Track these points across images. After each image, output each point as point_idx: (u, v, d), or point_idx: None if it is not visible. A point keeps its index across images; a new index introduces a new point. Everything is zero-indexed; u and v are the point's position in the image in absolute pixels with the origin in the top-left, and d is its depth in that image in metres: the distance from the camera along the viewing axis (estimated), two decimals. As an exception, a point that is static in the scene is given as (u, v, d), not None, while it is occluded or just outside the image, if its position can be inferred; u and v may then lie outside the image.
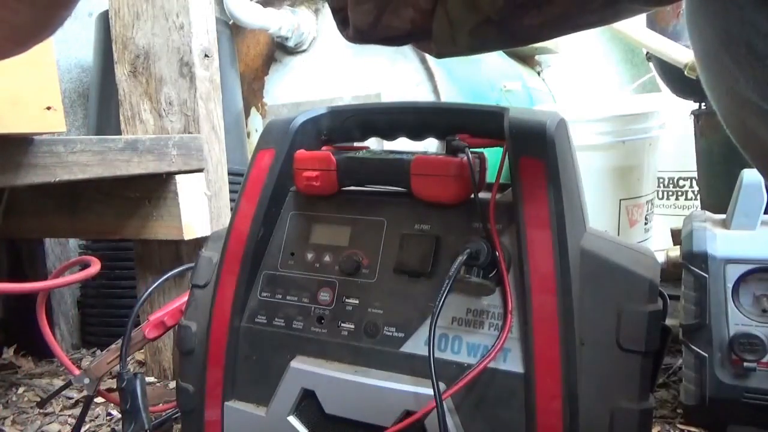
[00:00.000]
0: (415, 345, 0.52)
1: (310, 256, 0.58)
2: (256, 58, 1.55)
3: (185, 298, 0.66)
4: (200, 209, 0.92)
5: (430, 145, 1.21)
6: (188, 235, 0.89)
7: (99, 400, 0.85)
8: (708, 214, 0.82)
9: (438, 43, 0.38)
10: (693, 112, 1.16)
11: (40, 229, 1.01)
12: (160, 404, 0.80)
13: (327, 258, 0.58)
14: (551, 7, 0.33)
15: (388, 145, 1.03)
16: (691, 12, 0.38)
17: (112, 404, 0.89)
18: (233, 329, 0.58)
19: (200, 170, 0.93)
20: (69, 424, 0.86)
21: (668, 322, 0.51)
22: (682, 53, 1.07)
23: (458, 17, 0.36)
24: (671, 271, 0.85)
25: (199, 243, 0.93)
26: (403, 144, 0.64)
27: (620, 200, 1.25)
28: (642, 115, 1.25)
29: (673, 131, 1.41)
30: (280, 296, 0.58)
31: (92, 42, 1.29)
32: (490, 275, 0.51)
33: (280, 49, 1.51)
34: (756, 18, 0.32)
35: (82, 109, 1.41)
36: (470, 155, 0.53)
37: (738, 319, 0.71)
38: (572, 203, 0.51)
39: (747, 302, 0.72)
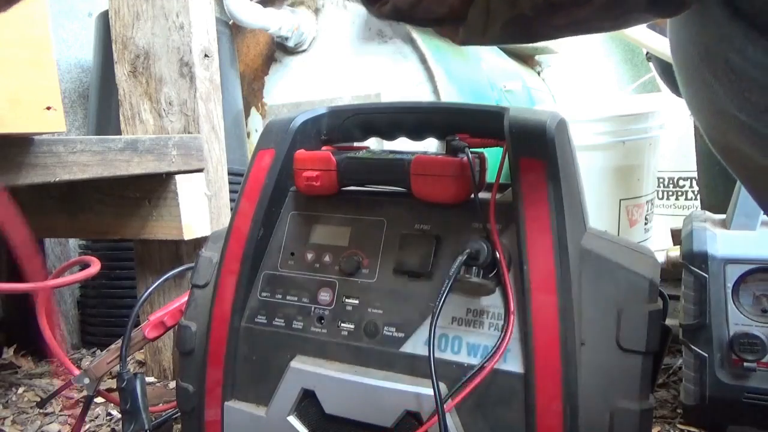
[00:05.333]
0: (415, 345, 0.52)
1: (310, 256, 0.58)
2: (256, 58, 1.55)
3: (185, 298, 0.66)
4: (200, 209, 0.92)
5: (430, 145, 1.20)
6: (188, 235, 0.89)
7: (99, 400, 0.85)
8: (708, 214, 0.82)
9: (468, 31, 0.39)
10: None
11: (40, 229, 1.01)
12: (160, 404, 0.80)
13: (327, 258, 0.58)
14: (580, 10, 0.35)
15: (388, 145, 1.03)
16: (674, 32, 0.41)
17: (112, 404, 0.89)
18: (233, 329, 0.58)
19: (200, 170, 0.93)
20: (69, 424, 0.86)
21: (668, 322, 0.51)
22: (682, 53, 1.07)
23: (496, 9, 0.37)
24: (671, 271, 0.85)
25: (199, 243, 0.93)
26: (403, 144, 0.64)
27: (620, 200, 1.25)
28: (642, 115, 1.25)
29: (673, 131, 1.41)
30: (280, 296, 0.58)
31: (92, 42, 1.29)
32: (490, 275, 0.51)
33: (280, 49, 1.51)
34: (730, 33, 0.34)
35: (82, 109, 1.41)
36: (470, 155, 0.53)
37: (738, 319, 0.71)
38: (572, 203, 0.51)
39: (747, 302, 0.72)
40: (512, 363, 0.49)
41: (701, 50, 0.37)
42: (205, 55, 0.95)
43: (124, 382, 0.68)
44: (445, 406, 0.48)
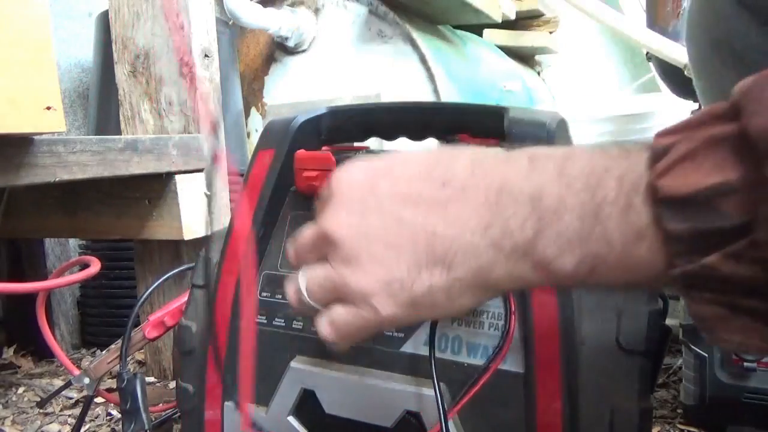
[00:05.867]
0: (416, 345, 0.52)
1: (310, 256, 0.58)
2: (256, 58, 1.55)
3: (185, 298, 0.66)
4: (200, 209, 0.92)
5: (430, 145, 1.20)
6: (188, 235, 0.89)
7: (99, 400, 0.85)
8: (708, 214, 0.82)
9: None
10: (693, 112, 1.16)
11: (40, 229, 1.01)
12: (160, 404, 0.80)
13: (327, 258, 0.58)
14: None
15: (388, 145, 1.03)
16: (689, 25, 0.45)
17: (112, 404, 0.89)
18: (233, 329, 0.58)
19: (200, 170, 0.93)
20: (69, 424, 0.86)
21: (668, 322, 0.51)
22: (682, 53, 1.08)
23: None
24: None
25: (199, 243, 0.93)
26: (403, 144, 0.64)
27: (620, 200, 1.25)
28: (642, 115, 1.25)
29: (673, 131, 1.41)
30: (280, 296, 0.58)
31: (92, 42, 1.29)
32: (490, 275, 0.51)
33: (280, 49, 1.51)
34: (736, 24, 0.38)
35: (82, 109, 1.42)
36: (470, 155, 0.53)
37: (738, 319, 0.71)
38: (572, 203, 0.50)
39: (747, 302, 0.72)
40: (512, 363, 0.49)
41: (713, 43, 0.40)
42: (205, 55, 0.95)
43: (124, 382, 0.68)
44: (447, 407, 0.48)
